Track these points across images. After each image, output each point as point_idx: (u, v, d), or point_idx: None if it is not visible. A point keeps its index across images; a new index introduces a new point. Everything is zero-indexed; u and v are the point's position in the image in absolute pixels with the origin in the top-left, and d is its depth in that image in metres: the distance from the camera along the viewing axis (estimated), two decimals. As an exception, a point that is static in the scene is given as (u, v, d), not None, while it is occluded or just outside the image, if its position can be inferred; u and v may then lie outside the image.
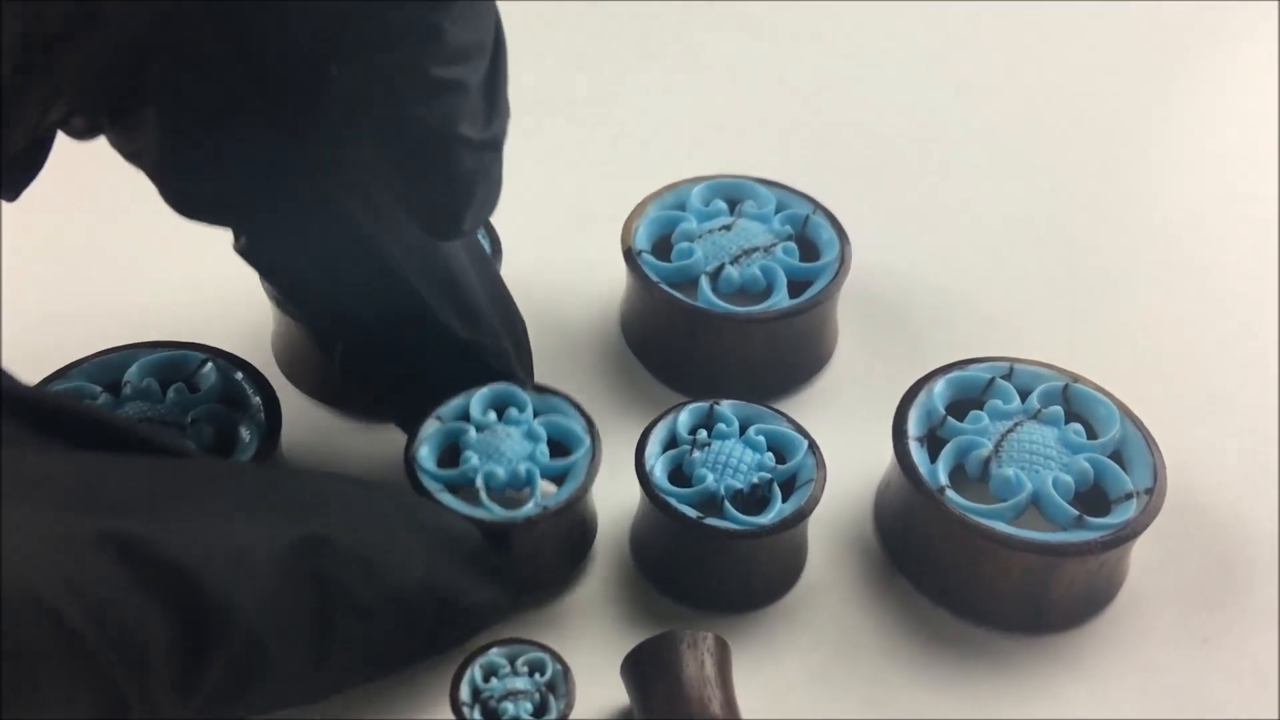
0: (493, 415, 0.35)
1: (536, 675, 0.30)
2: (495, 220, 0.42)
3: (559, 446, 0.35)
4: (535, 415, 0.35)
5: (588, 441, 0.34)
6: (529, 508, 0.33)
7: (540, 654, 0.31)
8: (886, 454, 0.37)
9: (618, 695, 0.33)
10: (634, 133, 0.53)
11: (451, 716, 0.30)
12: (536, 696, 0.30)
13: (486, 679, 0.30)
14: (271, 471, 0.29)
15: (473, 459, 0.34)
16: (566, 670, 0.30)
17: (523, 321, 0.38)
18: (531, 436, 0.35)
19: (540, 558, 0.34)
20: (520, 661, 0.31)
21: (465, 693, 0.30)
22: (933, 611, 0.36)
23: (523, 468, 0.34)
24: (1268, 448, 0.41)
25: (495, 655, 0.30)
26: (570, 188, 0.50)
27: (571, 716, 0.31)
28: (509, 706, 0.30)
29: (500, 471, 0.34)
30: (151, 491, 0.24)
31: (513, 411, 0.35)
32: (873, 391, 0.41)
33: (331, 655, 0.26)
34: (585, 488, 0.34)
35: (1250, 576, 0.37)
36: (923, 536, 0.36)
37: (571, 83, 0.55)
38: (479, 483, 0.33)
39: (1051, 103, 0.55)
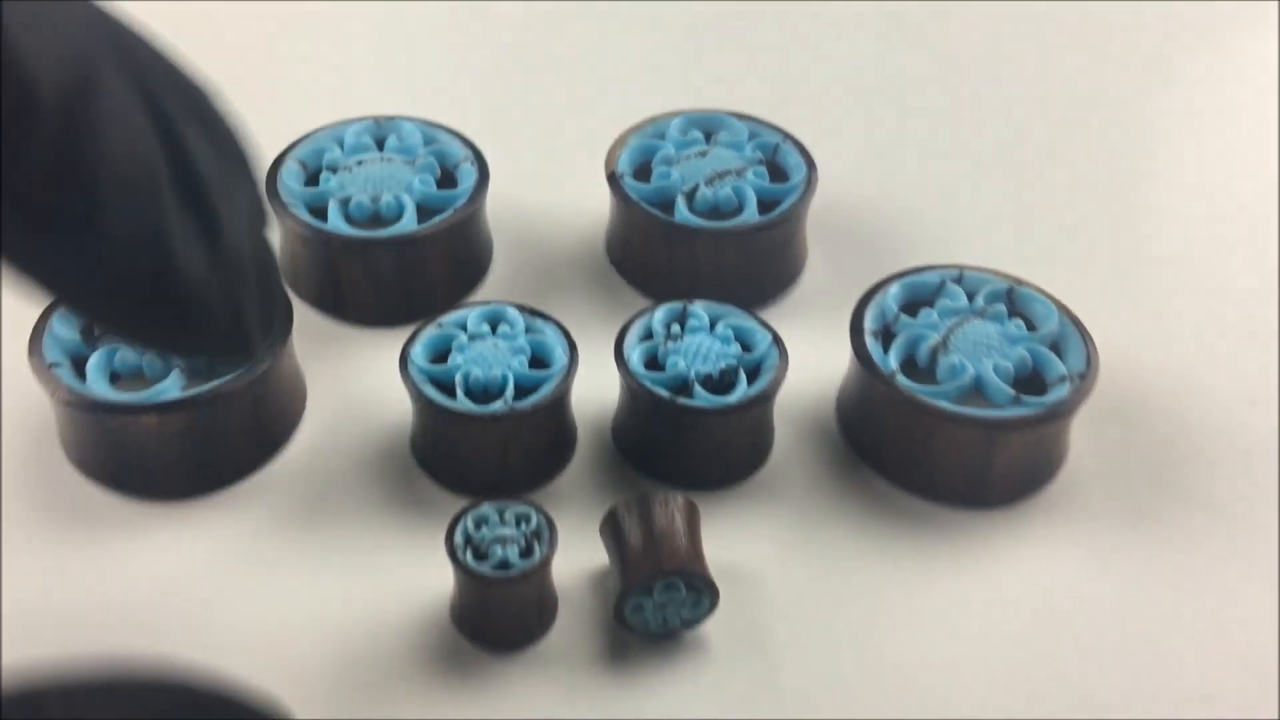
0: (486, 328, 0.39)
1: (522, 525, 0.34)
2: (489, 152, 0.45)
3: (542, 363, 0.39)
4: (526, 333, 0.39)
5: (565, 360, 0.38)
6: (497, 405, 0.36)
7: (526, 508, 0.34)
8: (849, 358, 0.40)
9: (599, 557, 0.36)
10: (619, 72, 0.56)
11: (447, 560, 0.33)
12: (522, 542, 0.33)
13: (477, 527, 0.34)
14: None
15: (458, 359, 0.38)
16: (550, 521, 0.34)
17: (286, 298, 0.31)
18: (516, 350, 0.38)
19: (509, 456, 0.38)
20: (508, 514, 0.34)
21: (459, 538, 0.33)
22: (886, 489, 0.39)
23: (498, 372, 0.37)
24: (1196, 344, 0.45)
25: (486, 509, 0.34)
26: (560, 122, 0.53)
27: (556, 576, 0.34)
28: (498, 549, 0.33)
29: (479, 373, 0.37)
30: None
31: (505, 327, 0.39)
32: (838, 305, 0.44)
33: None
34: (555, 396, 0.37)
35: (1178, 456, 0.41)
36: (877, 419, 0.39)
37: (560, 25, 0.59)
38: (457, 379, 0.37)
39: (1000, 49, 0.59)
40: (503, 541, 0.33)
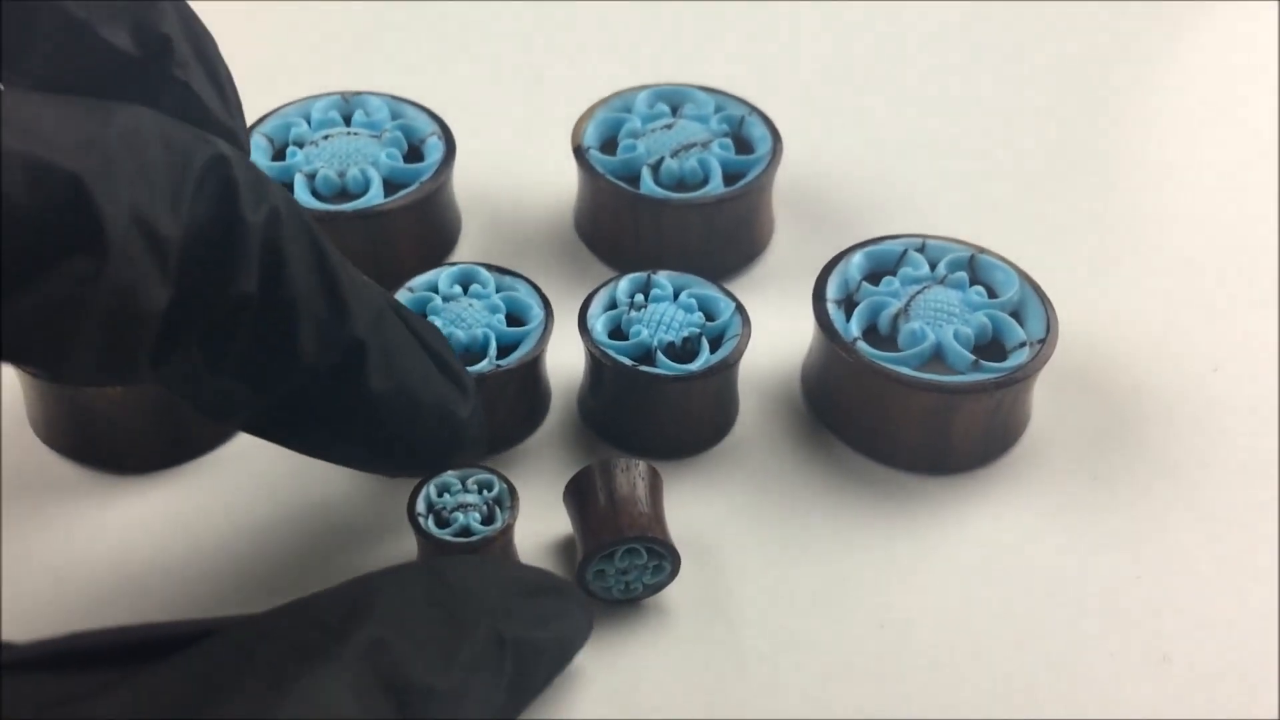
0: (458, 289, 0.39)
1: (485, 492, 0.34)
2: (457, 127, 0.45)
3: (517, 320, 0.39)
4: (497, 291, 0.39)
5: (541, 315, 0.38)
6: (483, 365, 0.37)
7: (489, 475, 0.34)
8: (813, 328, 0.41)
9: (562, 525, 0.36)
10: (587, 46, 0.57)
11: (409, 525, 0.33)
12: (484, 509, 0.34)
13: (440, 495, 0.34)
14: None
15: (438, 322, 0.38)
16: (512, 489, 0.34)
17: None
18: (492, 308, 0.39)
19: (495, 415, 0.38)
20: (470, 481, 0.34)
21: (421, 505, 0.33)
22: (849, 455, 0.40)
23: (480, 332, 0.38)
24: (1159, 311, 0.45)
25: (448, 476, 0.34)
26: (529, 97, 0.54)
27: (522, 543, 0.35)
28: (459, 516, 0.33)
29: (461, 334, 0.38)
30: None
31: (476, 287, 0.39)
32: (805, 277, 0.45)
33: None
34: (536, 351, 0.37)
35: (1141, 422, 0.41)
36: (839, 386, 0.39)
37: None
38: None
39: (963, 23, 0.59)
40: (464, 508, 0.33)
